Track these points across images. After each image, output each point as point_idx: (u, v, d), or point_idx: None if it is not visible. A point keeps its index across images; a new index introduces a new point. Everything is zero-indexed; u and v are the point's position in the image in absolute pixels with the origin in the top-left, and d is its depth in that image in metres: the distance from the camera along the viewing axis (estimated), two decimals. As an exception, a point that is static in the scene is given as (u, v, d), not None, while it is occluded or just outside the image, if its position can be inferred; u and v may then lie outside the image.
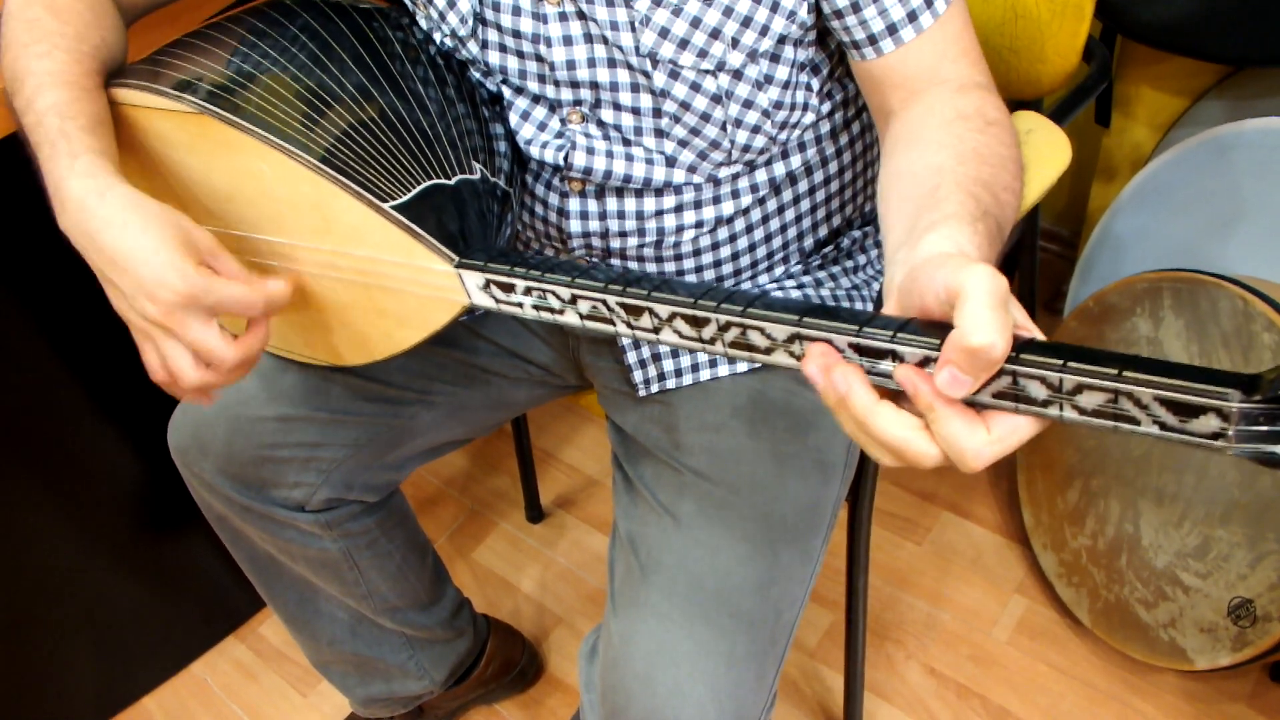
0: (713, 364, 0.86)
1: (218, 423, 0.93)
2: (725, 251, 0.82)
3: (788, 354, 0.53)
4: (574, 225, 0.81)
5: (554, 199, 0.81)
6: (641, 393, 0.87)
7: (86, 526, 1.28)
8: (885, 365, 0.49)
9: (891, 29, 0.69)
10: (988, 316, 0.44)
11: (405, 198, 0.68)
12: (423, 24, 0.80)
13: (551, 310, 0.63)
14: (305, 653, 1.17)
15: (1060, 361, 0.43)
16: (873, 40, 0.70)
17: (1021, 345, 0.45)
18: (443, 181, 0.70)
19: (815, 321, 0.51)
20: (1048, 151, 0.89)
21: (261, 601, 1.34)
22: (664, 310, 0.57)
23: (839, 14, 0.70)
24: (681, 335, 0.57)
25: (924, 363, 0.48)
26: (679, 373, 0.86)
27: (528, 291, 0.63)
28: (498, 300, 0.66)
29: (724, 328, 0.55)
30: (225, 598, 1.49)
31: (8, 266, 1.09)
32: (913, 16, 0.68)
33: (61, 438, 1.21)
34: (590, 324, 0.62)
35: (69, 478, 1.24)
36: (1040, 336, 0.47)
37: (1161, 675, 1.26)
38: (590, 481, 1.64)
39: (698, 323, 0.56)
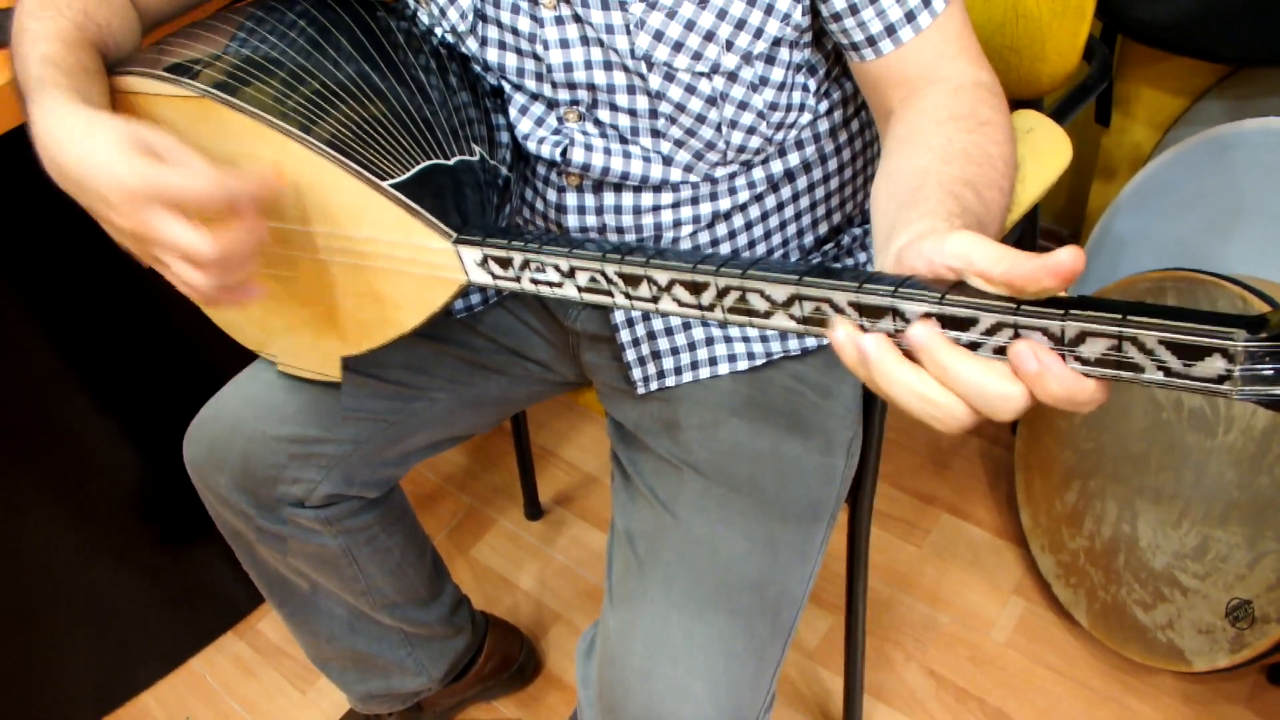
0: (713, 362, 0.86)
1: (234, 438, 0.93)
2: (724, 248, 0.83)
3: (787, 316, 0.53)
4: (572, 220, 0.81)
5: (552, 194, 0.81)
6: (641, 390, 0.87)
7: (87, 523, 1.28)
8: (886, 323, 0.49)
9: (890, 30, 0.69)
10: (1000, 249, 0.45)
11: (404, 176, 0.68)
12: (424, 19, 0.80)
13: (550, 284, 0.63)
14: (304, 649, 1.17)
15: (1062, 310, 0.43)
16: (871, 42, 0.70)
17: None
18: (442, 161, 0.70)
19: (815, 280, 0.50)
20: (1048, 151, 0.89)
21: (260, 598, 1.34)
22: (662, 277, 0.57)
23: (836, 17, 0.70)
24: (680, 303, 0.57)
25: (925, 318, 0.47)
26: (679, 370, 0.86)
27: (525, 265, 0.63)
28: (495, 276, 0.66)
29: (723, 292, 0.55)
30: (224, 593, 1.49)
31: (13, 265, 1.09)
32: (910, 17, 0.68)
33: (62, 434, 1.21)
34: (589, 296, 0.61)
35: (70, 474, 1.24)
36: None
37: (1159, 677, 1.26)
38: (589, 478, 1.64)
39: (696, 288, 0.56)
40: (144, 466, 1.30)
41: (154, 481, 1.31)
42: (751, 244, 0.83)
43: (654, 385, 0.87)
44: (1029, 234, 1.42)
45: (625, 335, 0.86)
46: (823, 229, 0.86)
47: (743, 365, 0.86)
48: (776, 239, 0.84)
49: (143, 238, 0.64)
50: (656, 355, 0.86)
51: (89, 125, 0.65)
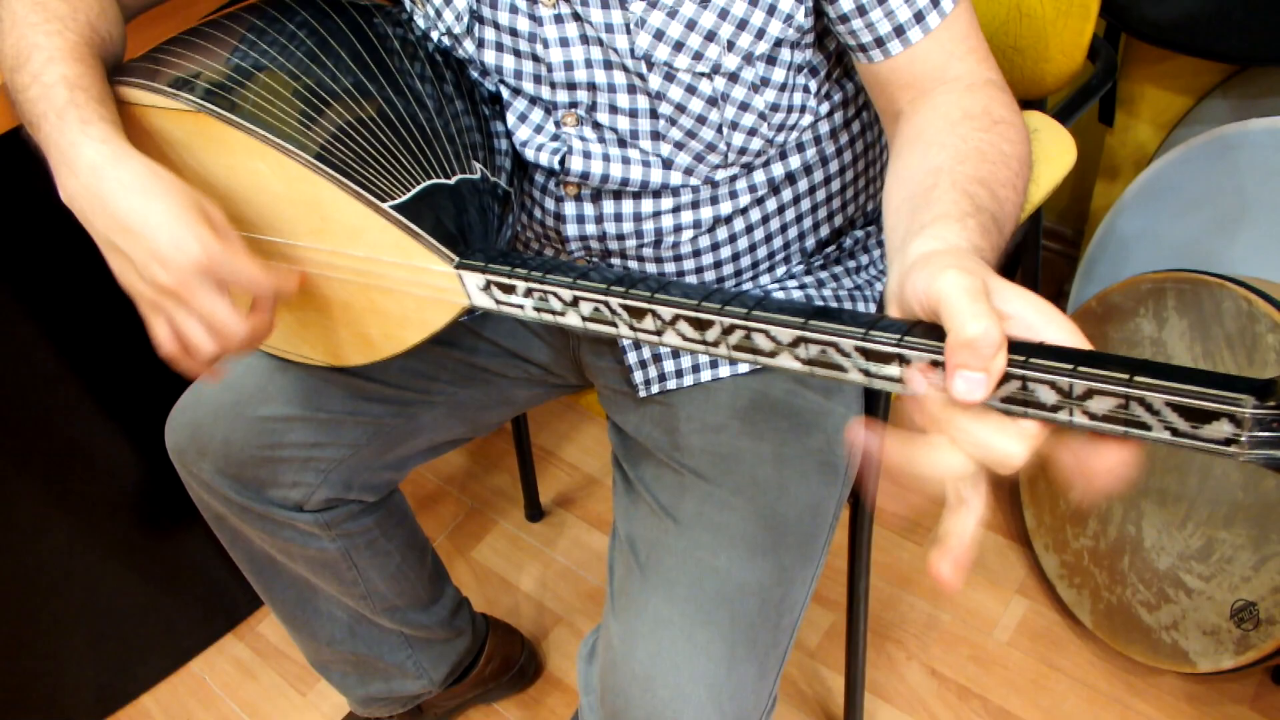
0: (714, 365, 0.85)
1: (215, 423, 0.92)
2: (725, 252, 0.82)
3: (793, 357, 0.53)
4: (571, 229, 0.81)
5: (550, 202, 0.80)
6: (642, 393, 0.87)
7: (85, 524, 1.28)
8: (891, 369, 0.48)
9: (899, 30, 0.68)
10: (969, 308, 0.44)
11: (404, 197, 0.67)
12: (420, 22, 0.80)
13: (553, 312, 0.62)
14: (304, 652, 1.17)
15: (1070, 366, 0.43)
16: (880, 43, 0.69)
17: (1031, 349, 0.44)
18: (442, 181, 0.70)
19: (821, 325, 0.50)
20: (1053, 151, 0.89)
21: (260, 600, 1.34)
22: (667, 312, 0.56)
23: (844, 19, 0.69)
24: (685, 338, 0.57)
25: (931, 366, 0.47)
26: (680, 373, 0.85)
27: (529, 293, 0.63)
28: (498, 301, 0.65)
29: (728, 330, 0.54)
30: (224, 595, 1.49)
31: (7, 263, 1.09)
32: (919, 17, 0.68)
33: (61, 434, 1.21)
34: (592, 326, 0.61)
35: (68, 475, 1.24)
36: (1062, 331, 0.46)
37: (1163, 677, 1.26)
38: (590, 480, 1.64)
39: (701, 325, 0.55)
40: (144, 467, 1.29)
41: (154, 482, 1.31)
42: (753, 247, 0.82)
43: (655, 388, 0.86)
44: (1032, 235, 1.41)
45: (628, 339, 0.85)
46: (824, 232, 0.86)
47: (744, 368, 0.85)
48: (778, 242, 0.83)
49: (179, 299, 0.66)
50: (658, 358, 0.85)
51: (155, 179, 0.65)
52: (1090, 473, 0.45)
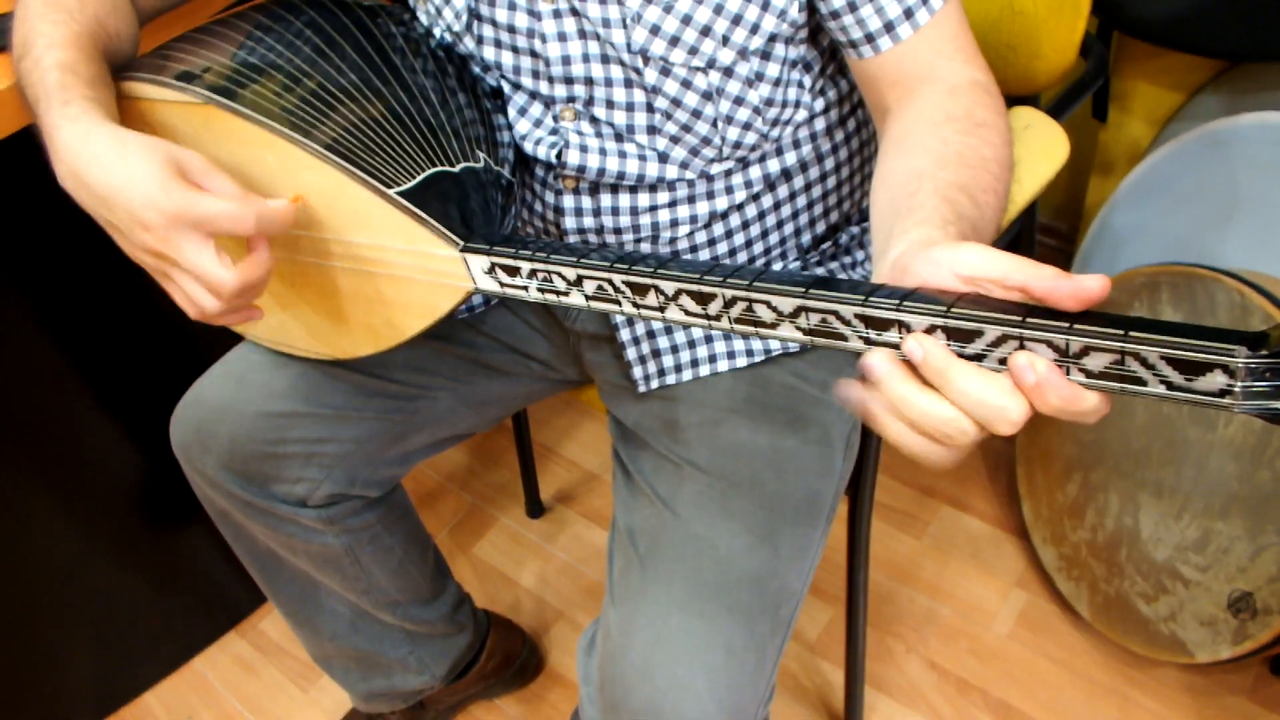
0: (712, 360, 0.86)
1: (220, 419, 0.93)
2: (721, 247, 0.83)
3: (794, 327, 0.53)
4: (569, 222, 0.82)
5: (549, 196, 0.81)
6: (642, 389, 0.87)
7: (87, 521, 1.28)
8: (891, 335, 0.49)
9: (888, 27, 0.69)
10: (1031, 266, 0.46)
11: (410, 184, 0.68)
12: (422, 19, 0.81)
13: (557, 292, 0.63)
14: (306, 648, 1.17)
15: (1067, 324, 0.43)
16: (870, 39, 0.70)
17: (1027, 309, 0.45)
18: (447, 168, 0.71)
19: (821, 293, 0.51)
20: (1045, 147, 0.90)
21: (262, 596, 1.35)
22: (670, 287, 0.57)
23: (835, 15, 0.70)
24: (687, 312, 0.58)
25: (929, 330, 0.48)
26: (679, 368, 0.86)
27: (533, 274, 0.64)
28: (503, 284, 0.66)
29: (730, 303, 0.55)
30: (226, 593, 1.49)
31: (10, 260, 1.09)
32: (909, 14, 0.69)
33: (63, 431, 1.21)
34: (596, 304, 0.62)
35: (70, 472, 1.24)
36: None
37: (1162, 669, 1.26)
38: (590, 476, 1.64)
39: (703, 299, 0.56)
40: (145, 465, 1.30)
41: (155, 480, 1.31)
42: (749, 243, 0.83)
43: (655, 384, 0.87)
44: (1027, 230, 1.42)
45: (625, 334, 0.86)
46: (820, 228, 0.86)
47: (742, 362, 0.86)
48: (774, 238, 0.84)
49: (168, 259, 0.66)
50: (657, 354, 0.86)
51: (121, 144, 0.65)
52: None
